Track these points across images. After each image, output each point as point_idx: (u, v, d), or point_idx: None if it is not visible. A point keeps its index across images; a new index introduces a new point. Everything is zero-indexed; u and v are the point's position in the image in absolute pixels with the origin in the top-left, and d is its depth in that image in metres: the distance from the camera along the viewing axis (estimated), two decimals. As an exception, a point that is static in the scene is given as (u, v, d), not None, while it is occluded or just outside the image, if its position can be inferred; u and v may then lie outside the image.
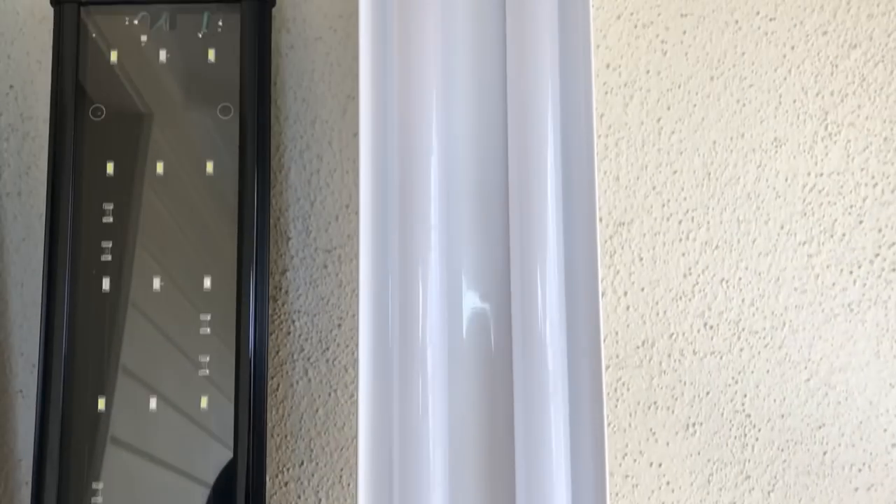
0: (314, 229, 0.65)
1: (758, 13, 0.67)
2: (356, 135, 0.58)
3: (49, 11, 0.61)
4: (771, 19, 0.67)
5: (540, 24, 0.57)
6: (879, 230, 0.66)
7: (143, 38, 0.60)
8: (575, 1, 0.58)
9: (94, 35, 0.59)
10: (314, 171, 0.65)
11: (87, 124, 0.58)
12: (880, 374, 0.65)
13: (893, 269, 0.66)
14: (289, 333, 0.64)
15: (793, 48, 0.67)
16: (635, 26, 0.66)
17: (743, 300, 0.65)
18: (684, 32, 0.67)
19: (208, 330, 0.57)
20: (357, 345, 0.55)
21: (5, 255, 0.64)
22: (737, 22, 0.67)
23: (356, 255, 0.62)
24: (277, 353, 0.64)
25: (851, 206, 0.66)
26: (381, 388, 0.55)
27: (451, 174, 0.58)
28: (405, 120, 0.57)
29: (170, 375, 0.57)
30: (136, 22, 0.60)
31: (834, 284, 0.66)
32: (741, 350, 0.65)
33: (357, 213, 0.57)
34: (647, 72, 0.66)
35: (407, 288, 0.54)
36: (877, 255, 0.66)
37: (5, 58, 0.65)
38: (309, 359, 0.64)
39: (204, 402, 0.56)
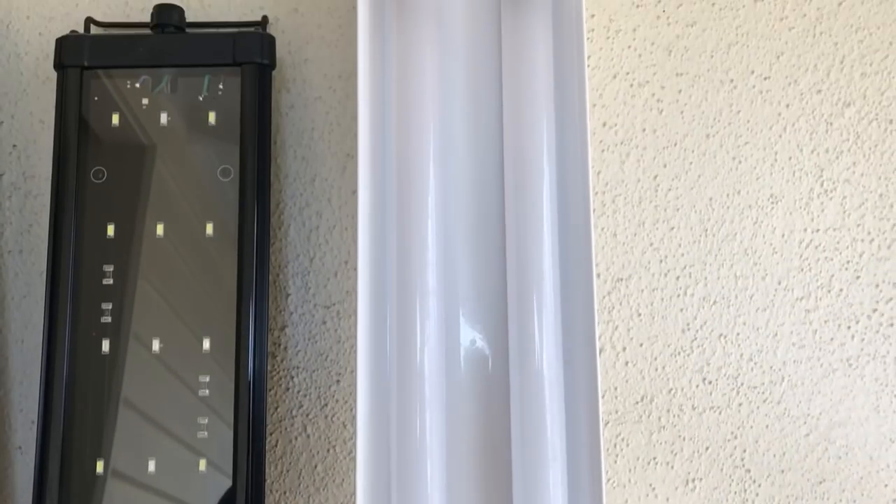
0: (313, 286, 0.65)
1: (752, 72, 0.68)
2: (355, 192, 0.58)
3: (52, 72, 0.62)
4: (765, 78, 0.68)
5: (536, 85, 0.58)
6: (877, 285, 0.66)
7: (145, 101, 0.60)
8: (571, 61, 0.59)
9: (96, 98, 0.60)
10: (313, 227, 0.65)
11: (88, 186, 0.59)
12: (880, 429, 0.65)
13: (891, 325, 0.66)
14: (287, 389, 0.64)
15: (787, 106, 0.68)
16: (631, 85, 0.67)
17: (741, 355, 0.66)
18: (680, 91, 0.67)
19: (207, 392, 0.57)
20: (356, 400, 0.55)
21: (6, 311, 0.65)
22: (732, 81, 0.67)
23: (355, 311, 0.63)
24: (276, 409, 0.64)
25: (848, 262, 0.66)
26: (379, 422, 0.56)
27: (449, 234, 0.59)
28: (403, 178, 0.57)
29: (168, 438, 0.57)
30: (137, 85, 0.61)
31: (832, 339, 0.66)
32: (740, 405, 0.65)
33: (356, 269, 0.57)
34: (644, 130, 0.67)
35: (404, 358, 0.54)
36: (874, 310, 0.66)
37: (9, 118, 0.66)
38: (308, 415, 0.64)
39: (202, 465, 0.56)
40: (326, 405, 0.64)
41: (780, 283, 0.66)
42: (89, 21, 0.65)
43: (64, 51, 0.60)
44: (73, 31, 0.63)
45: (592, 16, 0.67)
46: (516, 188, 0.58)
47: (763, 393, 0.65)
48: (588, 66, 0.66)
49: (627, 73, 0.67)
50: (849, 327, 0.66)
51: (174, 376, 0.57)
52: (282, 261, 0.65)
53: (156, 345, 0.57)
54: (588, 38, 0.67)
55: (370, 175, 0.58)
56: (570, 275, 0.58)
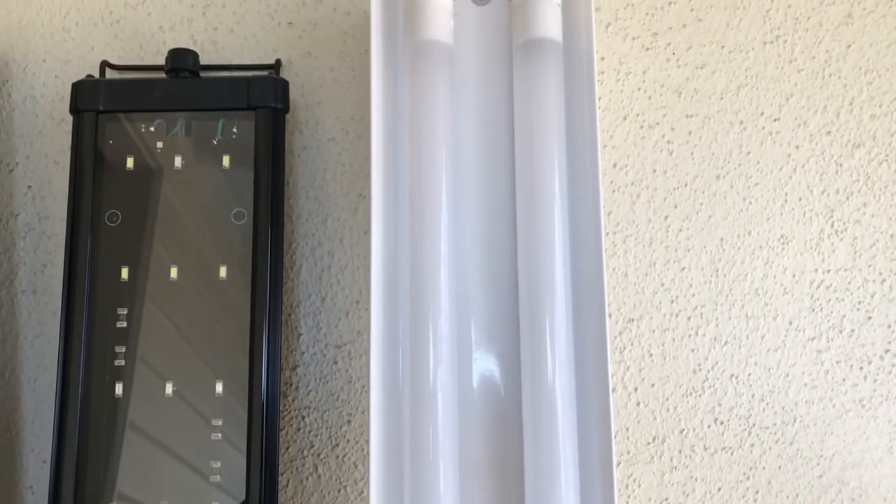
0: (325, 325, 0.65)
1: (762, 114, 0.68)
2: (367, 232, 0.59)
3: (67, 113, 0.63)
4: (775, 120, 0.68)
5: (547, 126, 0.58)
6: (889, 326, 0.66)
7: (159, 144, 0.61)
8: (582, 104, 0.59)
9: (111, 142, 0.61)
10: (325, 267, 0.66)
11: (102, 230, 0.59)
12: (894, 471, 0.65)
13: (904, 365, 0.66)
14: (299, 429, 0.64)
15: (797, 148, 0.68)
16: (641, 127, 0.68)
17: (753, 395, 0.65)
18: (690, 133, 0.68)
19: (220, 435, 0.57)
20: (368, 440, 0.55)
21: (19, 351, 0.65)
22: (741, 122, 0.68)
23: (366, 351, 0.63)
24: (287, 449, 0.64)
25: (860, 302, 0.66)
26: (391, 464, 0.56)
27: (461, 274, 0.59)
28: (415, 218, 0.57)
29: (181, 481, 0.57)
30: (152, 129, 0.61)
31: (844, 380, 0.66)
32: (752, 446, 0.65)
33: (367, 309, 0.57)
34: (654, 171, 0.67)
35: (417, 406, 0.54)
36: (887, 350, 0.66)
37: (24, 159, 0.66)
38: (319, 455, 0.64)
39: (214, 508, 0.56)
40: (337, 445, 0.64)
41: (791, 324, 0.66)
42: (104, 64, 0.65)
43: (80, 95, 0.61)
44: (88, 76, 0.64)
45: (602, 58, 0.68)
46: (528, 229, 0.57)
47: (775, 433, 0.65)
48: (598, 107, 0.67)
49: (638, 115, 0.68)
50: (861, 368, 0.66)
51: (187, 419, 0.57)
52: (294, 300, 0.65)
53: (169, 388, 0.58)
54: (598, 81, 0.67)
55: (382, 215, 0.58)
56: (583, 315, 0.58)
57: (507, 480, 0.57)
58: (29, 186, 0.66)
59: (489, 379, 0.58)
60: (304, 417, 0.64)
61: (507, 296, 0.59)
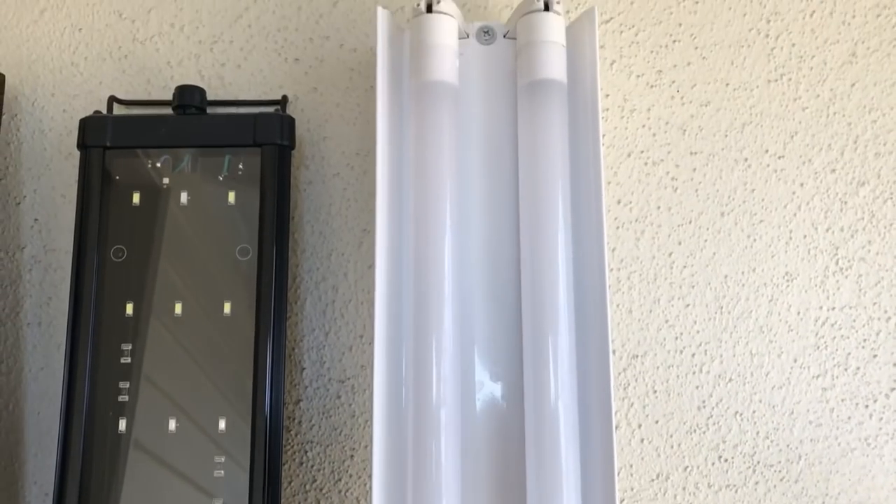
0: (328, 359, 0.65)
1: (766, 151, 0.68)
2: (370, 267, 0.59)
3: (75, 147, 0.63)
4: (779, 157, 0.68)
5: (551, 162, 0.58)
6: (894, 364, 0.66)
7: (166, 180, 0.61)
8: (586, 141, 0.60)
9: (117, 177, 0.61)
10: (329, 302, 0.66)
11: (108, 264, 0.60)
12: (900, 510, 0.64)
13: (909, 404, 0.66)
14: (301, 464, 0.64)
15: (802, 185, 0.68)
16: (645, 163, 0.68)
17: (758, 433, 0.65)
18: (694, 170, 0.68)
19: (222, 472, 0.57)
20: (370, 475, 0.55)
21: (23, 383, 0.65)
22: (746, 160, 0.68)
23: (369, 386, 0.63)
24: (290, 483, 0.64)
25: (865, 340, 0.66)
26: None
27: (466, 309, 0.59)
28: (420, 254, 0.57)
29: (182, 518, 0.57)
30: (158, 165, 0.61)
31: (850, 418, 0.65)
32: (756, 483, 0.65)
33: (371, 343, 0.57)
34: (658, 207, 0.67)
35: (419, 446, 0.54)
36: (892, 389, 0.66)
37: (32, 192, 0.67)
38: (321, 489, 0.64)
39: (216, 547, 0.56)
40: (340, 480, 0.64)
41: (795, 361, 0.66)
42: (112, 99, 0.66)
43: (87, 131, 0.62)
44: (96, 112, 0.64)
45: (607, 95, 0.68)
46: (532, 264, 0.58)
47: (780, 471, 0.65)
48: (603, 144, 0.67)
49: (642, 152, 0.68)
50: (866, 406, 0.65)
51: (190, 456, 0.57)
52: (297, 335, 0.65)
53: (172, 424, 0.58)
54: (603, 118, 0.68)
55: (387, 250, 0.58)
56: (587, 352, 0.58)
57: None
58: (36, 219, 0.67)
59: (493, 416, 0.58)
60: (307, 452, 0.64)
61: (512, 331, 0.59)
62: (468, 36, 0.62)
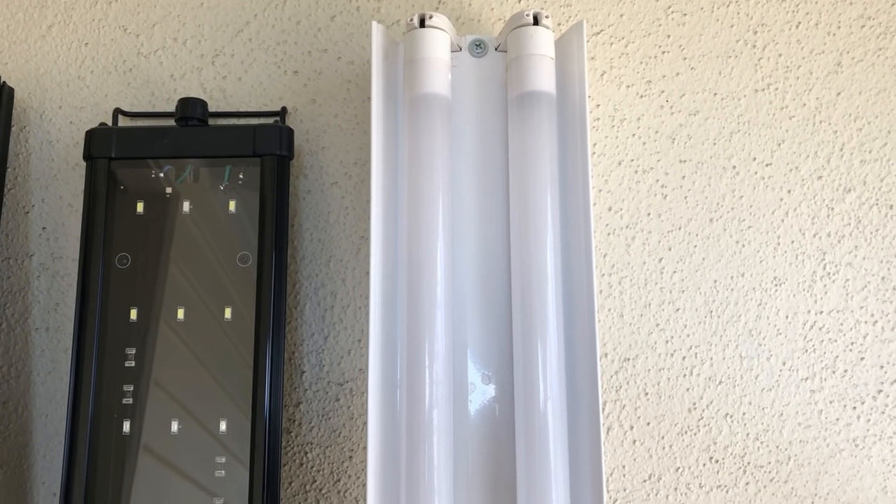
0: (327, 363, 0.67)
1: (754, 159, 0.70)
2: (369, 273, 0.60)
3: (81, 158, 0.65)
4: (767, 164, 0.70)
5: (541, 170, 0.59)
6: (881, 367, 0.67)
7: (168, 190, 0.63)
8: (575, 150, 0.61)
9: (122, 187, 0.63)
10: (328, 307, 0.67)
11: (113, 272, 0.62)
12: (888, 510, 0.66)
13: (896, 406, 0.67)
14: (301, 465, 0.66)
15: (789, 192, 0.69)
16: (636, 171, 0.69)
17: (748, 434, 0.66)
18: (683, 177, 0.69)
19: (223, 472, 0.59)
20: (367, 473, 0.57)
21: (31, 387, 0.67)
22: (734, 167, 0.69)
23: (367, 389, 0.64)
24: (290, 484, 0.65)
25: (852, 343, 0.67)
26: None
27: (457, 317, 0.60)
28: (413, 259, 0.59)
29: (185, 517, 0.59)
30: (161, 175, 0.63)
31: (838, 420, 0.67)
32: (747, 484, 0.66)
33: (369, 347, 0.58)
34: (649, 214, 0.69)
35: (413, 448, 0.56)
36: (879, 391, 0.67)
37: (40, 201, 0.69)
38: (321, 490, 0.66)
39: (217, 546, 0.58)
40: (339, 481, 0.66)
41: (784, 364, 0.67)
42: (117, 111, 0.68)
43: (93, 143, 0.64)
44: (102, 124, 0.66)
45: (598, 105, 0.70)
46: (523, 270, 0.59)
47: (770, 472, 0.66)
48: (594, 153, 0.69)
49: (632, 160, 0.69)
50: (854, 408, 0.67)
51: (191, 457, 0.59)
52: (297, 339, 0.67)
53: (175, 426, 0.59)
54: (593, 127, 0.69)
55: (381, 257, 0.60)
56: (576, 355, 0.59)
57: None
58: (44, 228, 0.69)
59: (485, 418, 0.60)
60: (306, 453, 0.66)
61: (503, 335, 0.60)
62: (461, 49, 0.64)
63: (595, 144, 0.69)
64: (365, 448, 0.66)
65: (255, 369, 0.60)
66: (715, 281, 0.68)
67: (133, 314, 0.61)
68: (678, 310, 0.68)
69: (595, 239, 0.67)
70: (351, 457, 0.66)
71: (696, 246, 0.68)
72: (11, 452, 0.66)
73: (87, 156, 0.64)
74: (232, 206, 0.63)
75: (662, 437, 0.66)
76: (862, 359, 0.67)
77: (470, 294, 0.61)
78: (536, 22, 0.61)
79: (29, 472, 0.66)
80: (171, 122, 0.66)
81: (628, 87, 0.70)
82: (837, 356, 0.67)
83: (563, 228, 0.60)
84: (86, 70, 0.71)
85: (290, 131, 0.65)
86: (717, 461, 0.66)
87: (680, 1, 0.71)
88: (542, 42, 0.60)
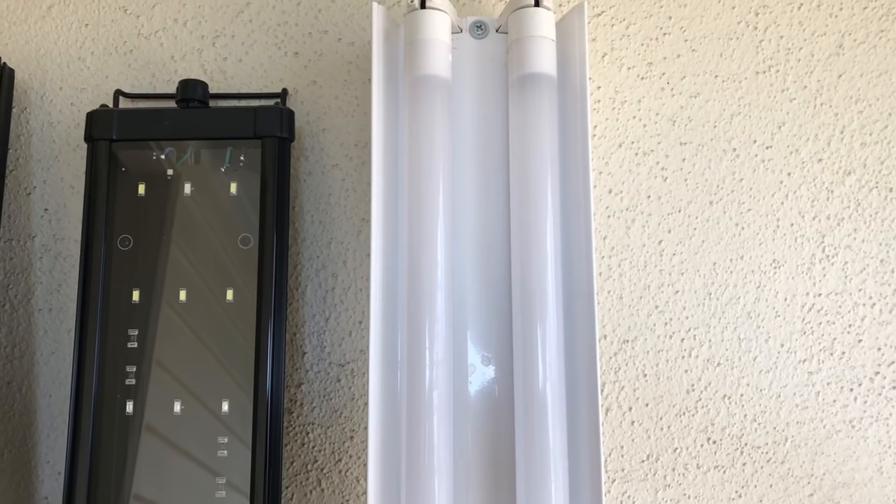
0: (328, 344, 0.67)
1: (755, 141, 0.70)
2: (370, 255, 0.60)
3: (82, 140, 0.65)
4: (767, 147, 0.70)
5: (542, 152, 0.60)
6: (879, 349, 0.68)
7: (170, 172, 0.63)
8: (575, 132, 0.61)
9: (123, 169, 0.63)
10: (329, 289, 0.68)
11: (115, 254, 0.62)
12: (883, 490, 0.66)
13: (894, 387, 0.67)
14: (303, 445, 0.66)
15: (789, 174, 0.69)
16: (636, 154, 0.69)
17: (745, 416, 0.67)
18: (684, 160, 0.69)
19: (225, 452, 0.59)
20: (367, 461, 0.57)
21: (35, 367, 0.68)
22: (734, 150, 0.69)
23: (368, 370, 0.65)
24: (292, 463, 0.66)
25: (850, 326, 0.68)
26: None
27: (457, 298, 0.61)
28: (414, 241, 0.59)
29: (188, 496, 0.59)
30: (162, 157, 0.64)
31: (835, 401, 0.67)
32: (744, 465, 0.67)
33: (370, 328, 0.59)
34: (649, 197, 0.69)
35: (413, 426, 0.56)
36: (877, 373, 0.67)
37: (41, 183, 0.69)
38: (322, 469, 0.66)
39: (220, 523, 0.58)
40: (340, 460, 0.66)
41: (782, 346, 0.67)
42: (118, 93, 0.68)
43: (94, 124, 0.64)
44: (103, 105, 0.66)
45: (599, 87, 0.70)
46: (522, 251, 0.59)
47: (767, 453, 0.67)
48: (594, 135, 0.69)
49: (633, 143, 0.70)
50: (851, 389, 0.67)
51: (194, 437, 0.60)
52: (299, 320, 0.67)
53: (177, 406, 0.60)
54: (594, 109, 0.69)
55: (382, 238, 0.60)
56: (575, 336, 0.59)
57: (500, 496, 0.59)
58: (46, 209, 0.69)
59: (485, 399, 0.60)
60: (308, 433, 0.66)
61: (503, 316, 0.61)
62: (462, 30, 0.64)
63: (595, 127, 0.69)
64: (366, 428, 0.66)
65: (257, 350, 0.60)
66: (714, 263, 0.68)
67: (135, 295, 0.61)
68: (677, 292, 0.68)
69: (595, 221, 0.67)
70: (352, 437, 0.66)
71: (695, 228, 0.69)
72: (16, 431, 0.67)
73: (88, 137, 0.64)
74: (233, 188, 0.63)
75: (661, 418, 0.67)
76: (860, 341, 0.68)
77: (470, 276, 0.61)
78: (537, 3, 0.61)
79: (34, 450, 0.67)
80: (172, 104, 0.66)
81: (629, 69, 0.70)
82: (835, 338, 0.68)
83: (563, 210, 0.60)
84: (86, 51, 0.71)
85: (291, 113, 0.65)
86: (714, 442, 0.67)
87: (682, -18, 0.71)
88: (543, 24, 0.60)
